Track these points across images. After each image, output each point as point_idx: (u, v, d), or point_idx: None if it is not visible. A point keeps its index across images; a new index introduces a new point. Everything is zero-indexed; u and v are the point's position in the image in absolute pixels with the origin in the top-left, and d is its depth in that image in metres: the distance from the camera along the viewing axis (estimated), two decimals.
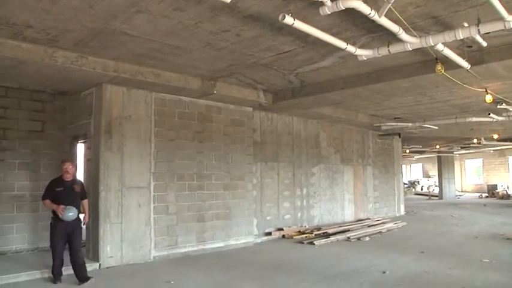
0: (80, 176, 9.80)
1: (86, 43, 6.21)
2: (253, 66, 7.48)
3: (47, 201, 6.44)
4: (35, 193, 8.40)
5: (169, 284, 6.50)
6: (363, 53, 6.02)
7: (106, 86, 7.73)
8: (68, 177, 6.57)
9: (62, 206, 6.23)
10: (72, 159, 6.90)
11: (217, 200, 9.42)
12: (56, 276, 6.46)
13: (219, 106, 9.59)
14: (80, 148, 9.26)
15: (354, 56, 6.19)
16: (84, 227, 6.90)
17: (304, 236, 10.87)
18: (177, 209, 8.68)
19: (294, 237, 10.85)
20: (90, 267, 7.29)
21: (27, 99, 8.51)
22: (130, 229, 7.91)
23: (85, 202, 6.88)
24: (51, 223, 6.48)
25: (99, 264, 7.44)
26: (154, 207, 8.31)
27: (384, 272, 7.13)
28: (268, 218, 11.04)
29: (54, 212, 6.39)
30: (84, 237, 8.38)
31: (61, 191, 6.43)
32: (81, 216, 6.70)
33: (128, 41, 6.11)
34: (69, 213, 6.25)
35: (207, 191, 9.23)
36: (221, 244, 9.39)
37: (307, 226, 12.05)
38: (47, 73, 7.12)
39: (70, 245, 6.47)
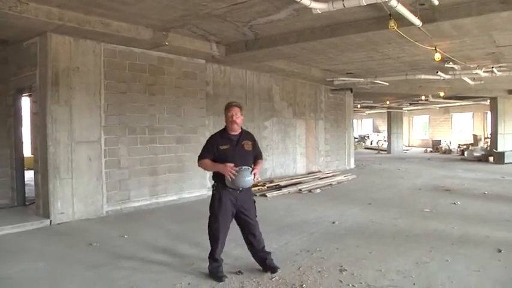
0: (26, 131, 9.48)
1: None
2: (207, 17, 7.27)
3: (206, 161, 4.69)
4: None
5: (122, 238, 6.49)
6: (318, 6, 5.97)
7: (51, 36, 7.31)
8: (235, 130, 4.77)
9: (231, 165, 4.50)
10: (240, 104, 4.92)
11: (169, 153, 9.36)
12: (219, 271, 4.73)
13: (171, 58, 9.36)
14: (25, 101, 8.86)
15: (308, 9, 6.13)
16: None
17: (256, 188, 11.04)
18: (129, 163, 8.56)
19: None
20: (41, 224, 7.18)
21: None
22: (82, 184, 7.76)
23: (259, 163, 4.93)
24: (213, 194, 4.80)
25: (50, 221, 7.30)
26: (105, 161, 8.15)
27: (334, 223, 7.42)
28: None
29: (216, 178, 4.74)
30: (32, 193, 8.22)
31: (226, 149, 4.67)
32: None
33: None
34: (246, 177, 4.53)
35: (159, 144, 9.14)
36: (174, 197, 9.42)
37: (259, 179, 12.23)
38: None
39: (244, 224, 4.82)
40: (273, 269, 4.79)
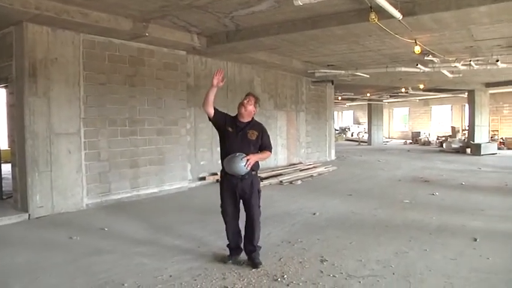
0: (3, 123, 9.29)
1: None
2: (187, 8, 7.20)
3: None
4: None
5: (103, 231, 6.44)
6: None
7: (27, 25, 7.13)
8: (243, 116, 4.87)
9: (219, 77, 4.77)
10: (256, 95, 5.11)
11: (150, 145, 9.29)
12: (230, 251, 5.04)
13: (152, 49, 9.26)
14: (2, 93, 8.66)
15: (289, 1, 6.11)
16: None
17: None
18: (109, 155, 8.48)
19: None
20: (20, 218, 7.06)
21: None
22: (61, 177, 7.65)
23: (262, 153, 4.89)
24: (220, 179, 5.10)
25: (29, 215, 7.18)
26: (85, 153, 8.06)
27: (314, 214, 7.48)
28: (202, 163, 11.08)
29: (222, 166, 4.82)
30: (10, 187, 8.08)
31: (230, 132, 4.82)
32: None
33: None
34: (236, 163, 4.58)
35: (140, 136, 9.06)
36: (155, 190, 9.37)
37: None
38: None
39: (246, 213, 4.94)
40: (255, 265, 4.80)
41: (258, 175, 5.05)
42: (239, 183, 4.77)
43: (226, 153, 4.77)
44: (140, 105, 9.05)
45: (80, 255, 5.28)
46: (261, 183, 10.56)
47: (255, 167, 4.83)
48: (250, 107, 4.87)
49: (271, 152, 5.01)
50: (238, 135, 4.80)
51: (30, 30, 7.19)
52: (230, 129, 4.84)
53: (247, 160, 4.59)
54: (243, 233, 5.05)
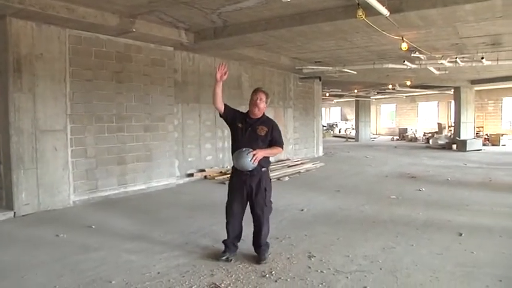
0: None
1: None
2: (175, 3, 7.16)
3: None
4: None
5: (90, 228, 6.39)
6: None
7: (11, 20, 7.01)
8: (255, 113, 4.85)
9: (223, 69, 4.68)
10: (266, 90, 5.06)
11: (137, 142, 9.24)
12: (226, 248, 4.93)
13: (139, 45, 9.19)
14: None
15: None
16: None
17: (225, 176, 11.03)
18: (96, 152, 8.42)
19: (216, 178, 11.00)
20: (4, 216, 6.97)
21: None
22: (47, 174, 7.57)
23: (271, 148, 4.86)
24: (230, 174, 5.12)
25: (14, 213, 7.09)
26: (72, 150, 7.98)
27: (302, 210, 7.51)
28: (189, 159, 11.06)
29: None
30: None
31: (239, 127, 4.82)
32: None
33: None
34: (241, 159, 4.60)
35: (127, 133, 9.00)
36: (143, 186, 9.33)
37: (228, 167, 12.22)
38: None
39: (252, 208, 4.89)
40: (257, 259, 4.84)
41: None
42: (248, 179, 4.76)
43: (235, 148, 4.79)
44: (127, 102, 8.99)
45: (67, 253, 5.23)
46: None
47: (265, 163, 4.81)
48: (263, 105, 4.85)
49: (282, 147, 4.96)
50: (247, 130, 4.79)
51: (14, 25, 7.08)
52: (240, 124, 4.84)
53: (254, 155, 4.57)
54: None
